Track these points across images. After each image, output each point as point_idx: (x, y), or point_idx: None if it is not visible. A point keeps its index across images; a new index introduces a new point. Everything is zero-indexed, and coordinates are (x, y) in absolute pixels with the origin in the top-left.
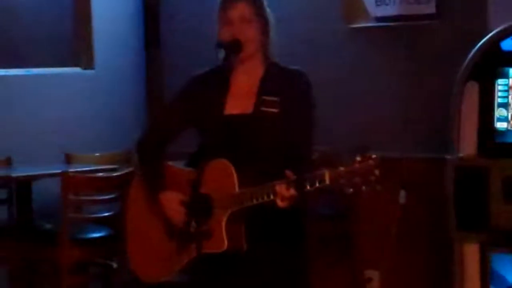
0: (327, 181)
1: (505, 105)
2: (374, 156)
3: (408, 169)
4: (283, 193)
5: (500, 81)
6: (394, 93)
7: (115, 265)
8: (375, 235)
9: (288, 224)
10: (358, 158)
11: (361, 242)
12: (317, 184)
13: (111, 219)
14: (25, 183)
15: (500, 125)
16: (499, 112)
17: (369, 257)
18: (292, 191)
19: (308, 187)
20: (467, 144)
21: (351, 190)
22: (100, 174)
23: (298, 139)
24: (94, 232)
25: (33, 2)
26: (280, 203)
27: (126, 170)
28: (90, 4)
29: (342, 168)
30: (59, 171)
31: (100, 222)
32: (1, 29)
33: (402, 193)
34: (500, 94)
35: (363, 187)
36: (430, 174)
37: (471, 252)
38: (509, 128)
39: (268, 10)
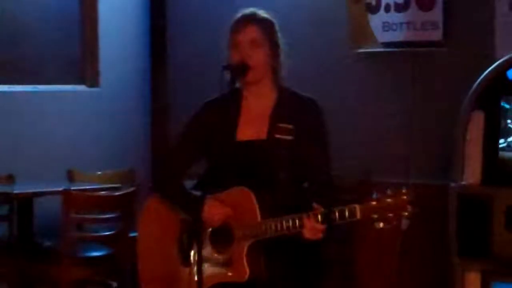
0: (358, 216)
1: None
2: (405, 190)
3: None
4: (311, 225)
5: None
6: (399, 119)
7: (114, 285)
8: (376, 260)
9: (307, 251)
10: (389, 192)
11: (362, 267)
12: (347, 218)
13: (112, 238)
14: (27, 200)
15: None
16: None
17: (370, 282)
18: (321, 224)
19: (338, 221)
20: (471, 172)
21: (382, 224)
22: (102, 192)
23: (317, 168)
24: (94, 251)
25: (40, 19)
26: (307, 235)
27: (128, 190)
28: (97, 23)
29: (373, 203)
30: (61, 188)
31: (101, 241)
32: (8, 45)
33: (405, 219)
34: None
35: (394, 222)
36: (433, 201)
37: (472, 280)
38: None
39: (279, 34)
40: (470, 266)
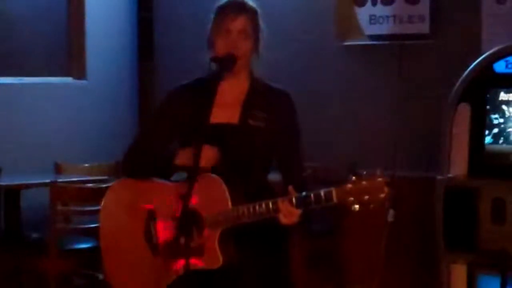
0: (334, 199)
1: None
2: (381, 173)
3: (397, 188)
4: (286, 210)
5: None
6: (386, 112)
7: (101, 277)
8: (363, 252)
9: (274, 233)
10: (365, 175)
11: (349, 259)
12: (324, 202)
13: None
14: (14, 192)
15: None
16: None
17: (358, 274)
18: (296, 209)
19: (314, 205)
20: (458, 165)
21: (357, 207)
22: (89, 185)
23: (287, 157)
24: (81, 243)
25: (27, 11)
26: (284, 220)
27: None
28: (84, 15)
29: (349, 185)
30: (48, 181)
31: (88, 233)
32: None
33: (391, 212)
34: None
35: (371, 205)
36: (420, 194)
37: (458, 273)
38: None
39: (262, 25)
40: (456, 259)
